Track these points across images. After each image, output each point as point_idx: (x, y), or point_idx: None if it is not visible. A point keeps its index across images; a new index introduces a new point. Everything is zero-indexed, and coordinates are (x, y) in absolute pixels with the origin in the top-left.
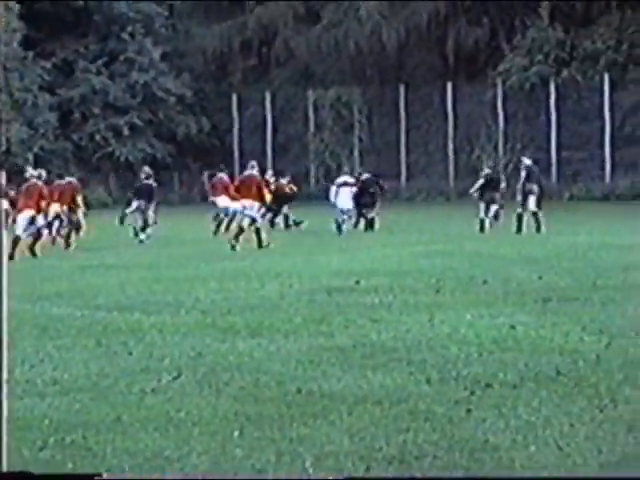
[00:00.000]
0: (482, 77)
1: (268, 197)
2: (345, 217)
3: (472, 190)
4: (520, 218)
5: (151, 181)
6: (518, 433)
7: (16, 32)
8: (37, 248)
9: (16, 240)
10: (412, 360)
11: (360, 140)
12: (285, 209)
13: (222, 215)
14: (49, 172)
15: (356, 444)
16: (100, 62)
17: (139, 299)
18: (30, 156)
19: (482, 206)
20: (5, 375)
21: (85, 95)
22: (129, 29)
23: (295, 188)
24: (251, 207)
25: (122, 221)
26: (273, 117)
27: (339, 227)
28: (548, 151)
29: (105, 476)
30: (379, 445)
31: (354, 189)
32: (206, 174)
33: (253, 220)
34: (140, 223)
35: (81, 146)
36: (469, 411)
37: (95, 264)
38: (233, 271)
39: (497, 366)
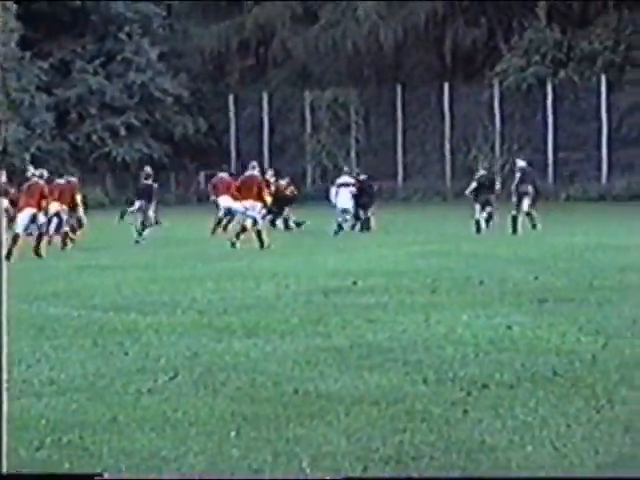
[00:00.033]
0: (479, 77)
1: (269, 199)
2: (347, 217)
3: (467, 191)
4: (515, 220)
5: (150, 181)
6: (515, 433)
7: (13, 32)
8: (42, 249)
9: (15, 238)
10: (408, 360)
11: (357, 141)
12: (286, 211)
13: (221, 214)
14: (51, 172)
15: (353, 444)
16: (97, 62)
17: (135, 299)
18: (27, 156)
19: (478, 207)
20: (5, 376)
21: (82, 95)
22: (126, 29)
23: (295, 191)
24: (253, 208)
25: (122, 216)
26: (270, 118)
27: (340, 228)
28: (545, 152)
29: (105, 476)
30: (376, 445)
31: (354, 189)
32: (202, 174)
33: (255, 221)
34: (142, 223)
35: (78, 146)
36: (466, 411)
37: (92, 264)
38: (230, 271)
39: (494, 366)
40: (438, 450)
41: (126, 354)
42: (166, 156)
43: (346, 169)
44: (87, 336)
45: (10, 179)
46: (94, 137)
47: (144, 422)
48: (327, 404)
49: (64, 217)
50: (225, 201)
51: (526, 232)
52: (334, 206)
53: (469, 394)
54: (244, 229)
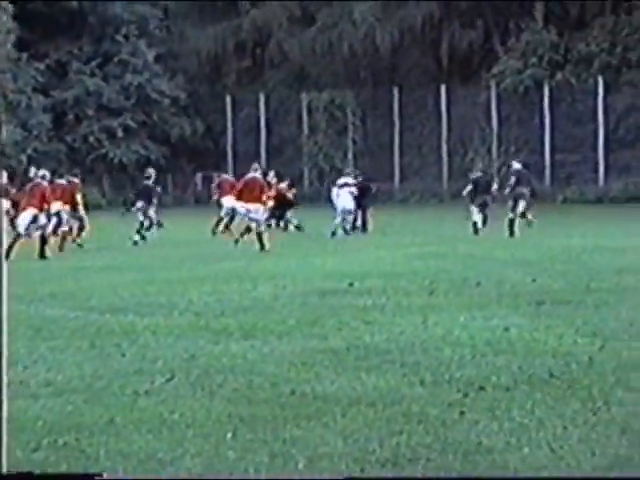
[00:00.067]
0: (476, 79)
1: (270, 203)
2: (349, 218)
3: (464, 192)
4: (512, 223)
5: (149, 182)
6: (511, 435)
7: (10, 33)
8: (47, 250)
9: (16, 238)
10: (405, 362)
11: (354, 142)
12: (288, 214)
13: (223, 214)
14: (53, 173)
15: (350, 446)
16: (94, 64)
17: (132, 301)
18: (24, 158)
19: (474, 209)
20: (5, 376)
21: (79, 97)
22: (123, 31)
23: (295, 194)
24: (256, 211)
25: (125, 213)
26: (267, 119)
27: (345, 230)
28: (542, 154)
29: (105, 476)
30: (372, 447)
31: (354, 189)
32: (200, 176)
33: (258, 223)
34: (140, 224)
35: (75, 148)
36: (462, 413)
37: (89, 265)
38: (227, 273)
39: (490, 368)
40: (435, 452)
41: (123, 356)
42: (163, 157)
43: (348, 170)
44: (84, 337)
45: (11, 179)
46: (91, 138)
47: (141, 424)
48: (324, 405)
49: (64, 217)
50: (228, 201)
51: (523, 234)
52: (335, 207)
53: (466, 396)
54: (249, 229)
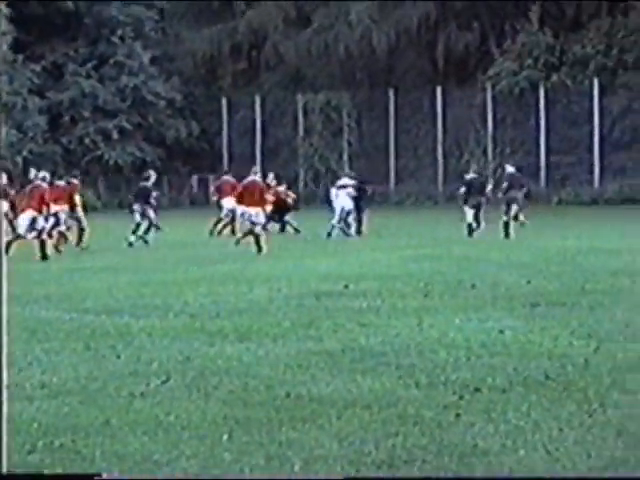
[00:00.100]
0: (472, 81)
1: (268, 207)
2: (350, 219)
3: (460, 192)
4: (507, 225)
5: (147, 183)
6: (507, 437)
7: (6, 35)
8: (47, 249)
9: (17, 237)
10: (401, 364)
11: (349, 144)
12: (287, 217)
13: (223, 215)
14: (52, 174)
15: (345, 448)
16: (90, 65)
17: (128, 302)
18: (19, 159)
19: (469, 211)
20: (5, 377)
21: (74, 98)
22: (119, 32)
23: (296, 198)
24: (257, 214)
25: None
26: (263, 121)
27: (344, 232)
28: (537, 155)
29: (105, 476)
30: (368, 449)
31: (352, 191)
32: (195, 177)
33: (259, 226)
34: (137, 225)
35: (70, 149)
36: (458, 415)
37: (84, 267)
38: (222, 275)
39: (486, 370)
40: (430, 454)
41: (118, 357)
42: (159, 159)
43: (347, 171)
44: (79, 339)
45: (11, 181)
46: (86, 140)
47: (136, 426)
48: (319, 408)
49: (62, 217)
50: (229, 203)
51: (518, 236)
52: (333, 208)
53: (461, 398)
54: (252, 232)
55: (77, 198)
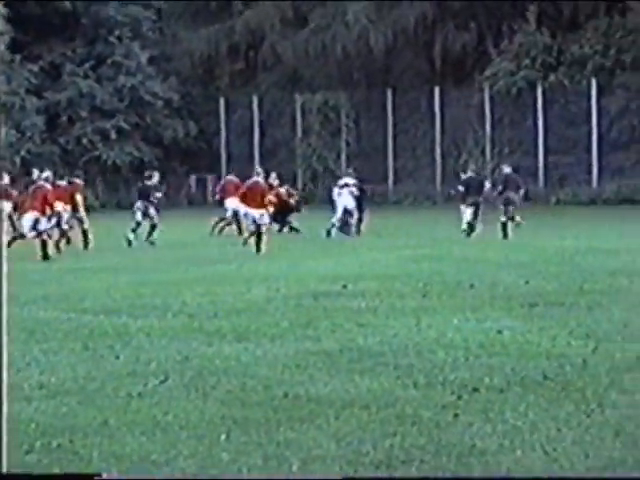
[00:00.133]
0: (469, 81)
1: (270, 208)
2: (351, 219)
3: (459, 188)
4: (505, 226)
5: (149, 182)
6: (505, 437)
7: (3, 35)
8: (49, 249)
9: (21, 236)
10: (399, 364)
11: (347, 144)
12: (289, 218)
13: (229, 214)
14: (54, 174)
15: (343, 448)
16: (87, 65)
17: (126, 302)
18: (17, 159)
19: (468, 210)
20: (5, 377)
21: (72, 98)
22: (116, 32)
23: (299, 199)
24: (261, 216)
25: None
26: (260, 121)
27: (344, 231)
28: (535, 155)
29: (104, 476)
30: (366, 449)
31: (354, 190)
32: (193, 178)
33: (260, 226)
34: (137, 224)
35: (68, 149)
36: (456, 415)
37: (82, 267)
38: (220, 275)
39: (484, 370)
40: (428, 453)
41: (117, 358)
42: (156, 159)
43: (349, 170)
44: (77, 340)
45: (13, 181)
46: (84, 140)
47: (134, 426)
48: (317, 408)
49: (64, 217)
50: (232, 203)
51: (516, 236)
52: (335, 207)
53: (459, 398)
54: (258, 232)
55: (79, 198)
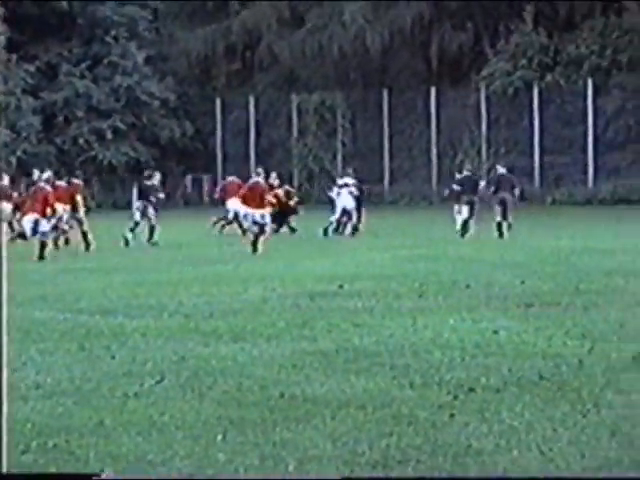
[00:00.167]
0: (466, 82)
1: (269, 209)
2: (352, 219)
3: (454, 187)
4: (500, 225)
5: (148, 182)
6: (501, 437)
7: None
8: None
9: (23, 235)
10: (395, 364)
11: (343, 144)
12: (288, 219)
13: (231, 215)
14: (56, 174)
15: (339, 448)
16: (84, 65)
17: (122, 303)
18: (13, 160)
19: (463, 208)
20: (5, 378)
21: (68, 98)
22: (113, 32)
23: (298, 200)
24: (262, 216)
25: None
26: (257, 121)
27: (337, 229)
28: (531, 155)
29: (104, 476)
30: (362, 449)
31: (354, 189)
32: (189, 178)
33: (262, 227)
34: (135, 223)
35: (64, 150)
36: (452, 415)
37: (78, 267)
38: (216, 275)
39: (480, 371)
40: (425, 454)
41: (112, 358)
42: (153, 159)
43: (349, 170)
44: (73, 340)
45: (13, 182)
46: (80, 140)
47: (130, 426)
48: (313, 408)
49: (64, 217)
50: (233, 204)
51: (512, 236)
52: (334, 206)
53: (456, 398)
54: (261, 232)
55: (79, 199)
